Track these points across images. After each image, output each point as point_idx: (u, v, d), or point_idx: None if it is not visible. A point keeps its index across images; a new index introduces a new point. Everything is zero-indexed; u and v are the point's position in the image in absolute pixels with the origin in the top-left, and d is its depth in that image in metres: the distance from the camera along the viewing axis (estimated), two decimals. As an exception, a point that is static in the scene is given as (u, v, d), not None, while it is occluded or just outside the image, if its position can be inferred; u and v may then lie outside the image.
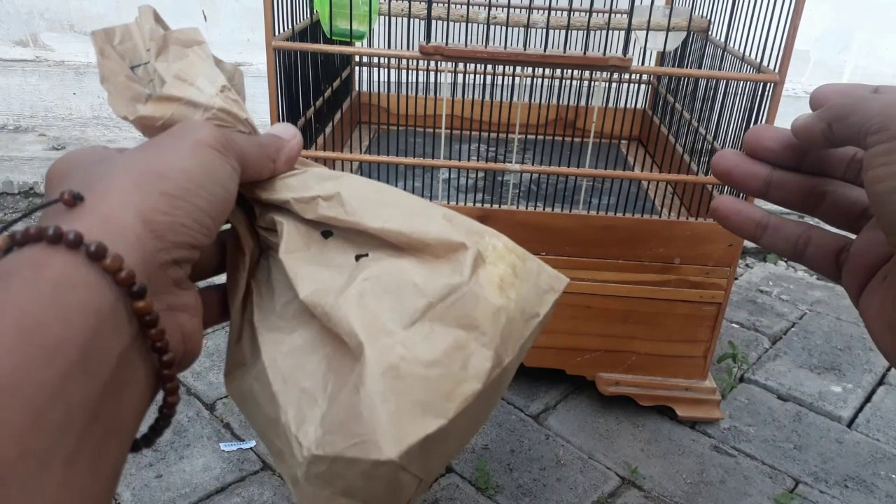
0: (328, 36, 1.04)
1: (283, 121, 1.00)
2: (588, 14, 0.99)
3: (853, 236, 0.29)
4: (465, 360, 0.28)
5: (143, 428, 0.29)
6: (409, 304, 0.29)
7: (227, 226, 0.34)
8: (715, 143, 1.13)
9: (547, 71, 1.36)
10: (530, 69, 1.21)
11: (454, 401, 0.27)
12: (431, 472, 0.29)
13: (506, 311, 0.30)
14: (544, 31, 1.00)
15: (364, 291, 0.29)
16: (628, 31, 0.96)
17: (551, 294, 0.34)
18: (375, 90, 1.43)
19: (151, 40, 0.32)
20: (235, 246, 0.34)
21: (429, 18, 0.94)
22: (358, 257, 0.32)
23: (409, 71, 1.32)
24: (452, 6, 1.01)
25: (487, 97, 1.37)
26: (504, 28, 1.01)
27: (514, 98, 1.14)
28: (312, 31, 1.12)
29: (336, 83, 1.27)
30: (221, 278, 0.35)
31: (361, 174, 0.69)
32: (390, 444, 0.26)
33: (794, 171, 0.29)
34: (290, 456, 0.29)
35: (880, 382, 1.34)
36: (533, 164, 1.03)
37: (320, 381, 0.29)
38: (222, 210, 0.28)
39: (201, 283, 0.33)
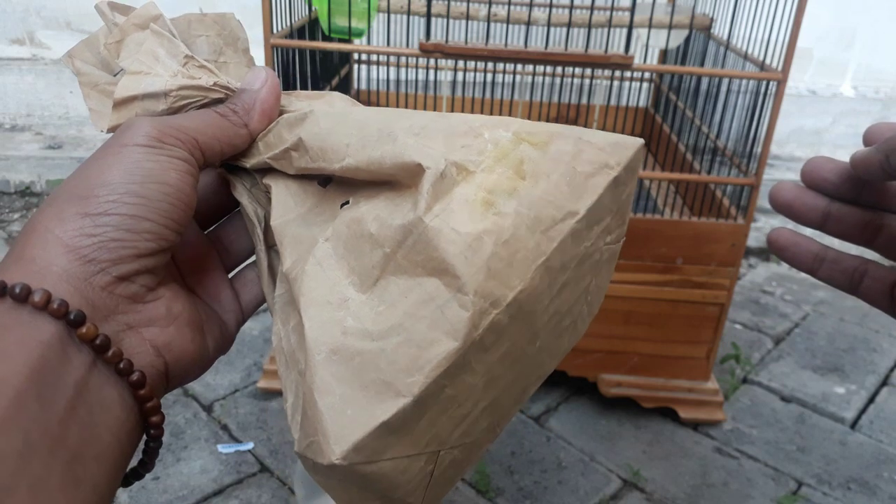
0: (326, 33, 1.03)
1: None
2: (590, 11, 0.98)
3: None
4: (437, 316, 0.23)
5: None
6: (368, 261, 0.25)
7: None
8: (717, 141, 1.12)
9: (548, 69, 1.35)
10: (531, 67, 1.20)
11: (421, 371, 0.23)
12: (447, 439, 0.25)
13: (492, 233, 0.23)
14: (545, 28, 0.99)
15: (324, 256, 0.26)
16: (630, 28, 0.95)
17: (604, 173, 0.26)
18: (375, 88, 1.42)
19: (110, 39, 0.30)
20: (248, 218, 0.31)
21: (428, 15, 0.93)
22: (343, 205, 0.29)
23: (409, 69, 1.31)
24: (452, 3, 1.00)
25: (488, 95, 1.36)
26: (505, 25, 1.00)
27: (515, 96, 1.13)
28: (311, 28, 1.12)
29: (335, 81, 1.26)
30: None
31: None
32: (331, 445, 0.23)
33: (851, 203, 0.30)
34: None
35: (884, 384, 1.33)
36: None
37: None
38: (170, 206, 0.27)
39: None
